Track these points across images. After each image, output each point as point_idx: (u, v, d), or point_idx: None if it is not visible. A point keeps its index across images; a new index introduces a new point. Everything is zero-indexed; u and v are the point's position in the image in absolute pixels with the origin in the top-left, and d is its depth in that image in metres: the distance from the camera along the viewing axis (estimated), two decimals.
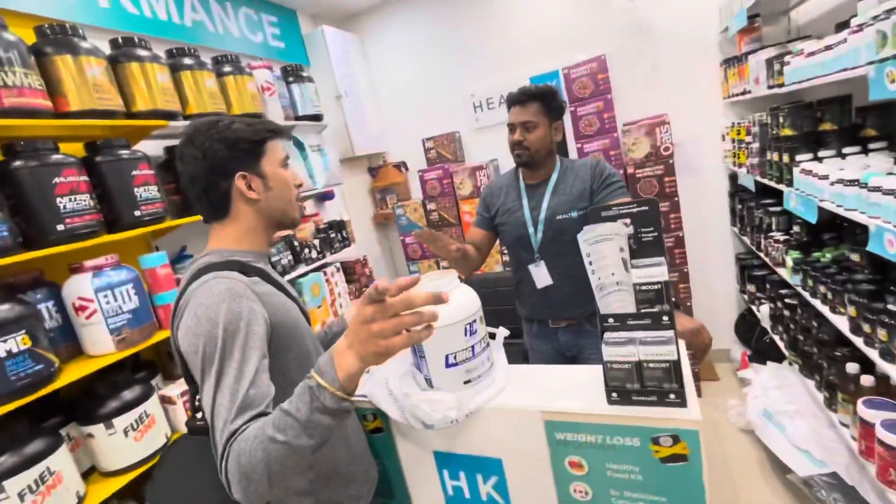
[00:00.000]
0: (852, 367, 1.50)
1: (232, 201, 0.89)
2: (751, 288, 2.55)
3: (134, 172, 1.50)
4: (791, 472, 1.79)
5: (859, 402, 1.39)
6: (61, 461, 1.20)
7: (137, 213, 1.49)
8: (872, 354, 1.32)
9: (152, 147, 1.78)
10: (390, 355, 0.67)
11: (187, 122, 1.77)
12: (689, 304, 2.61)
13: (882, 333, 1.26)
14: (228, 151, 0.86)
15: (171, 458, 0.89)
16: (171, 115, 1.67)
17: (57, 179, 1.27)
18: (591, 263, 0.95)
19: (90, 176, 1.39)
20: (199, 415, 0.88)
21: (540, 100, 1.48)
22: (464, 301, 1.03)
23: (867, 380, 1.44)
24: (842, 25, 1.41)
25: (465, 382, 1.03)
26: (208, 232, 0.94)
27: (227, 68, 1.98)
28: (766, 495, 1.89)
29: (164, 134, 1.81)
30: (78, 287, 1.32)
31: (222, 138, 0.86)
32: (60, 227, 1.27)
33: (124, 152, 1.50)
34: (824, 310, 1.60)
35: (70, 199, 1.30)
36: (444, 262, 3.09)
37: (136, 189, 1.49)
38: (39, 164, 1.25)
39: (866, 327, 1.34)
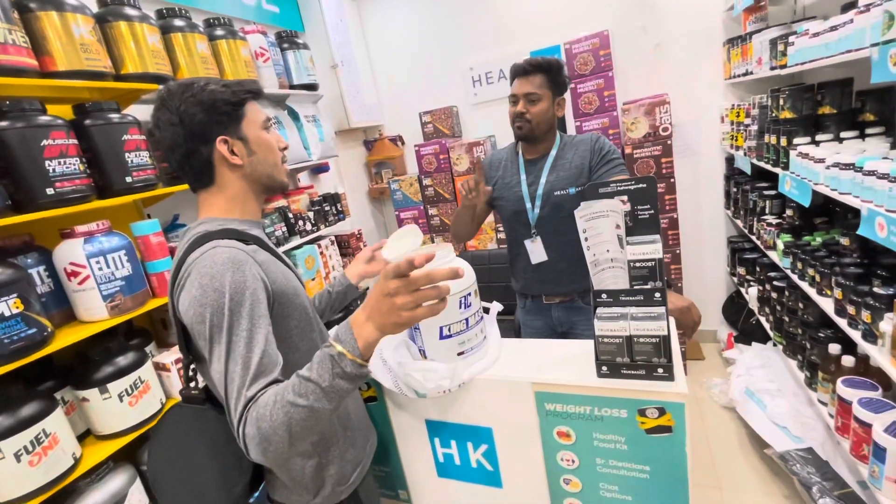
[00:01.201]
0: (834, 348, 1.55)
1: (215, 168, 0.86)
2: (741, 270, 2.59)
3: (124, 137, 1.46)
4: (769, 447, 1.86)
5: (839, 381, 1.43)
6: (57, 423, 1.21)
7: (129, 179, 1.46)
8: (855, 335, 1.36)
9: (142, 112, 1.73)
10: (409, 326, 0.73)
11: None
12: (679, 285, 2.65)
13: (866, 315, 1.29)
14: (206, 115, 0.82)
15: (166, 426, 0.90)
16: (161, 79, 1.62)
17: (45, 142, 1.24)
18: (586, 239, 0.96)
19: (79, 139, 1.36)
20: (192, 384, 0.89)
21: (546, 72, 1.46)
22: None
23: (848, 360, 1.49)
24: (848, 6, 1.39)
25: (459, 354, 1.04)
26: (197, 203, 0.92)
27: (219, 32, 1.92)
28: (744, 469, 1.97)
29: (155, 98, 1.76)
30: (69, 252, 1.30)
31: (198, 101, 0.81)
32: (50, 191, 1.25)
33: (114, 116, 1.46)
34: (811, 292, 1.63)
35: (59, 163, 1.27)
36: (438, 237, 3.09)
37: (126, 154, 1.46)
38: (27, 125, 1.21)
39: (851, 309, 1.37)
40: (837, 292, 1.44)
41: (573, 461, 1.00)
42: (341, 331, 0.73)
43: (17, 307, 1.13)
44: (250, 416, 0.70)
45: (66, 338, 1.26)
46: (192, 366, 0.88)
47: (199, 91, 0.82)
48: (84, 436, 1.40)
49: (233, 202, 0.89)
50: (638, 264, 0.93)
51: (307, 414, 0.69)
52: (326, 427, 0.93)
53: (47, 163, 1.24)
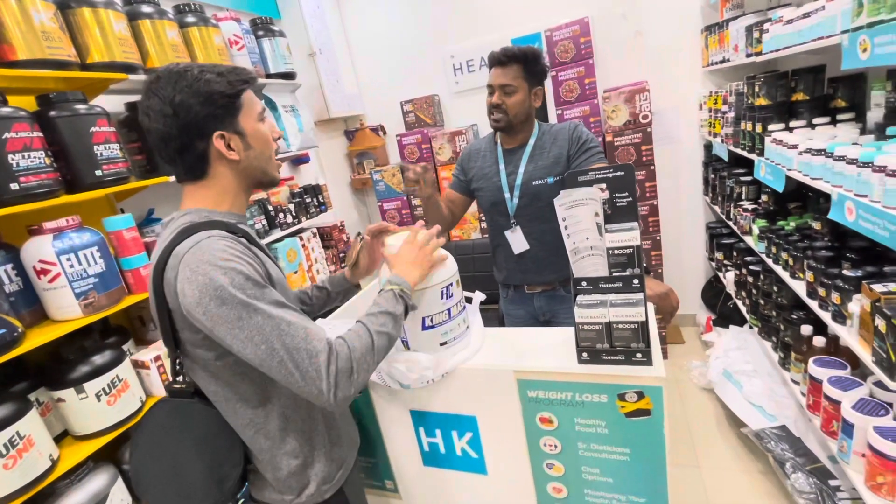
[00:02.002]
0: (806, 329, 1.60)
1: (210, 162, 0.82)
2: (719, 255, 2.64)
3: (92, 129, 1.41)
4: (745, 426, 1.92)
5: (810, 360, 1.48)
6: (31, 425, 1.18)
7: (98, 172, 1.41)
8: (825, 317, 1.40)
9: (111, 102, 1.68)
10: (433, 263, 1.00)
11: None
12: (660, 270, 2.70)
13: (835, 297, 1.33)
14: (203, 107, 0.77)
15: (150, 422, 0.87)
16: (130, 68, 1.57)
17: (7, 135, 1.19)
18: (566, 228, 0.96)
19: (44, 132, 1.30)
20: (179, 378, 0.87)
21: (522, 62, 1.44)
22: (440, 265, 1.03)
23: (819, 340, 1.54)
24: None
25: (442, 344, 1.05)
26: (178, 192, 0.89)
27: (190, 18, 1.85)
28: (721, 447, 2.04)
29: (124, 89, 1.70)
30: (38, 250, 1.26)
31: (194, 92, 0.77)
32: (14, 186, 1.20)
33: (81, 107, 1.40)
34: (785, 275, 1.68)
35: (23, 157, 1.22)
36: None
37: (95, 147, 1.41)
38: None
39: (821, 291, 1.41)
40: (809, 275, 1.49)
41: (556, 446, 1.02)
42: (394, 279, 0.92)
43: None
44: (342, 353, 0.76)
45: (38, 338, 1.22)
46: (179, 359, 0.85)
47: (194, 81, 0.77)
48: (62, 436, 1.37)
49: (222, 195, 0.86)
50: (616, 251, 0.94)
51: (387, 341, 0.83)
52: (311, 426, 0.92)
53: (10, 157, 1.19)
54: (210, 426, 0.85)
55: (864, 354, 1.19)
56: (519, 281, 1.63)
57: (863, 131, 1.43)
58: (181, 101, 0.76)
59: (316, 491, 0.92)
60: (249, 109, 0.84)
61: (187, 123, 0.78)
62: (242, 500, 0.91)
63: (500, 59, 1.45)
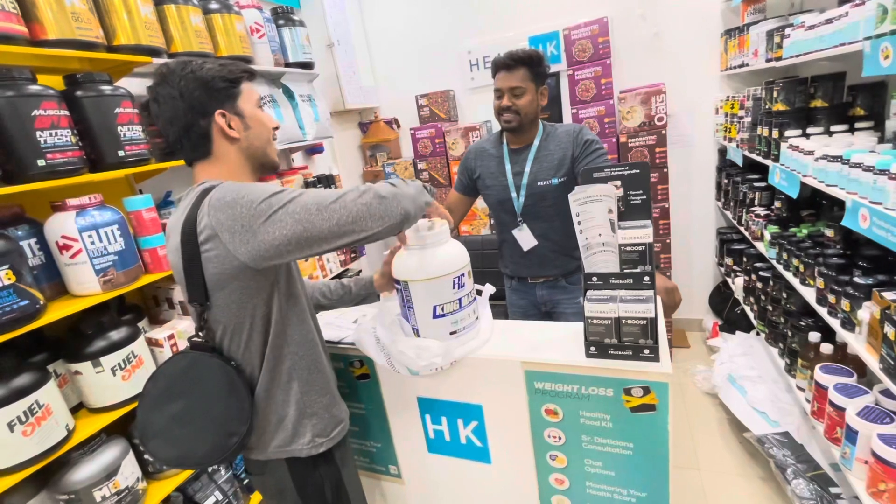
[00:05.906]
0: (814, 336, 1.60)
1: (213, 140, 0.90)
2: (728, 261, 2.63)
3: (117, 110, 1.44)
4: (747, 431, 1.93)
5: (817, 367, 1.48)
6: (50, 395, 1.22)
7: (121, 153, 1.45)
8: (834, 324, 1.40)
9: (134, 85, 1.70)
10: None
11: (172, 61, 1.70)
12: (668, 274, 2.69)
13: (845, 304, 1.33)
14: (205, 91, 0.87)
15: (168, 369, 0.90)
16: (155, 52, 1.60)
17: (36, 112, 1.22)
18: (579, 223, 0.98)
19: (70, 111, 1.33)
20: (202, 332, 0.90)
21: (527, 65, 1.47)
22: (453, 255, 1.05)
23: (826, 348, 1.54)
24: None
25: (452, 333, 1.06)
26: (192, 175, 0.94)
27: (214, 5, 1.88)
28: (723, 451, 2.04)
29: (148, 72, 1.73)
30: (61, 225, 1.29)
31: (197, 78, 0.87)
32: (41, 163, 1.23)
33: (106, 88, 1.43)
34: (795, 282, 1.68)
35: (51, 134, 1.25)
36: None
37: (119, 127, 1.44)
38: (17, 94, 1.19)
39: (831, 298, 1.41)
40: (819, 282, 1.48)
41: (560, 438, 1.04)
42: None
43: (9, 278, 1.13)
44: (371, 185, 0.82)
45: (58, 311, 1.25)
46: (205, 314, 0.88)
47: (197, 68, 0.88)
48: (77, 409, 1.41)
49: (230, 174, 0.92)
50: (629, 248, 0.95)
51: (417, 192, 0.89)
52: (312, 379, 0.97)
53: (38, 133, 1.22)
54: (225, 382, 0.89)
55: (872, 361, 1.19)
56: (524, 274, 1.67)
57: (881, 140, 1.43)
58: (185, 85, 0.87)
59: (310, 441, 0.96)
60: (248, 96, 0.94)
61: (191, 104, 0.87)
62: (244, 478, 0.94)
63: (506, 63, 1.48)
